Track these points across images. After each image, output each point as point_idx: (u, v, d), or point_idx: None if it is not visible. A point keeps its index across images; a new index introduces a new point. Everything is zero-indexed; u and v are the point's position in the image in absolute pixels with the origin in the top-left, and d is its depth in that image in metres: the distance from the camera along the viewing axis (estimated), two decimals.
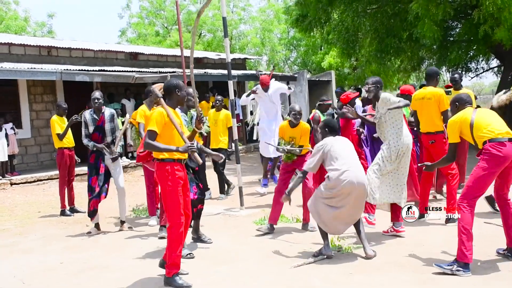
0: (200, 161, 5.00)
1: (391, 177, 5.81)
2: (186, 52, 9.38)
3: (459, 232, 4.62)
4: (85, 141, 7.06)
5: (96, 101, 7.04)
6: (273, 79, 9.55)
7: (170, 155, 4.68)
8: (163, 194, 4.69)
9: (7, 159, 11.52)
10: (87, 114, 7.10)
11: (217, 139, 9.11)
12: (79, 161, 8.87)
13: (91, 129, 7.04)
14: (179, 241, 4.66)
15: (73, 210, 8.52)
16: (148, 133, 4.61)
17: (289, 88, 9.72)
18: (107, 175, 7.07)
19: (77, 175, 11.10)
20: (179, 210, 4.66)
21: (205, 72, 15.56)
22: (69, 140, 8.53)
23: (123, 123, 8.57)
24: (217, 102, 9.14)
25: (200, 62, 18.09)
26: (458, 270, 4.53)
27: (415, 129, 7.20)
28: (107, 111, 7.15)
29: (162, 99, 4.75)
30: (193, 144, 4.71)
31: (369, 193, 5.60)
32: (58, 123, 8.41)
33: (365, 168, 7.52)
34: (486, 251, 5.07)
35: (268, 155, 9.12)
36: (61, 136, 8.35)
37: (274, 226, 6.52)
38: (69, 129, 8.41)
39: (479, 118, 4.78)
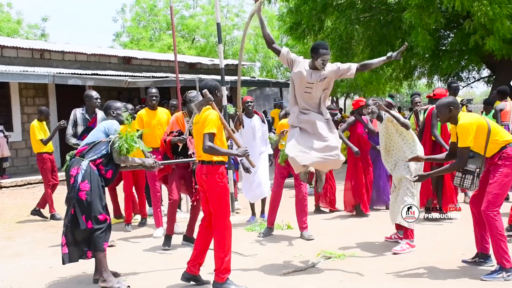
0: (254, 164, 5.03)
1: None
2: (180, 57, 9.33)
3: (496, 240, 4.57)
4: (72, 140, 6.47)
5: (99, 100, 6.68)
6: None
7: (223, 158, 4.64)
8: (216, 197, 4.56)
9: None
10: (78, 113, 6.63)
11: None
12: (59, 167, 8.69)
13: (80, 129, 6.56)
14: (231, 243, 4.67)
15: (53, 217, 8.32)
16: (209, 136, 4.47)
17: None
18: None
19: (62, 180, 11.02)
20: (229, 212, 4.68)
21: (198, 78, 15.56)
22: (48, 145, 8.39)
23: None
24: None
25: (193, 68, 18.09)
26: (509, 276, 4.48)
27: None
28: (100, 113, 6.68)
29: (214, 102, 4.63)
30: (247, 148, 4.76)
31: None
32: (38, 129, 8.29)
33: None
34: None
35: (254, 199, 7.58)
36: (45, 142, 8.24)
37: (272, 229, 6.75)
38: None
39: (492, 123, 4.78)
